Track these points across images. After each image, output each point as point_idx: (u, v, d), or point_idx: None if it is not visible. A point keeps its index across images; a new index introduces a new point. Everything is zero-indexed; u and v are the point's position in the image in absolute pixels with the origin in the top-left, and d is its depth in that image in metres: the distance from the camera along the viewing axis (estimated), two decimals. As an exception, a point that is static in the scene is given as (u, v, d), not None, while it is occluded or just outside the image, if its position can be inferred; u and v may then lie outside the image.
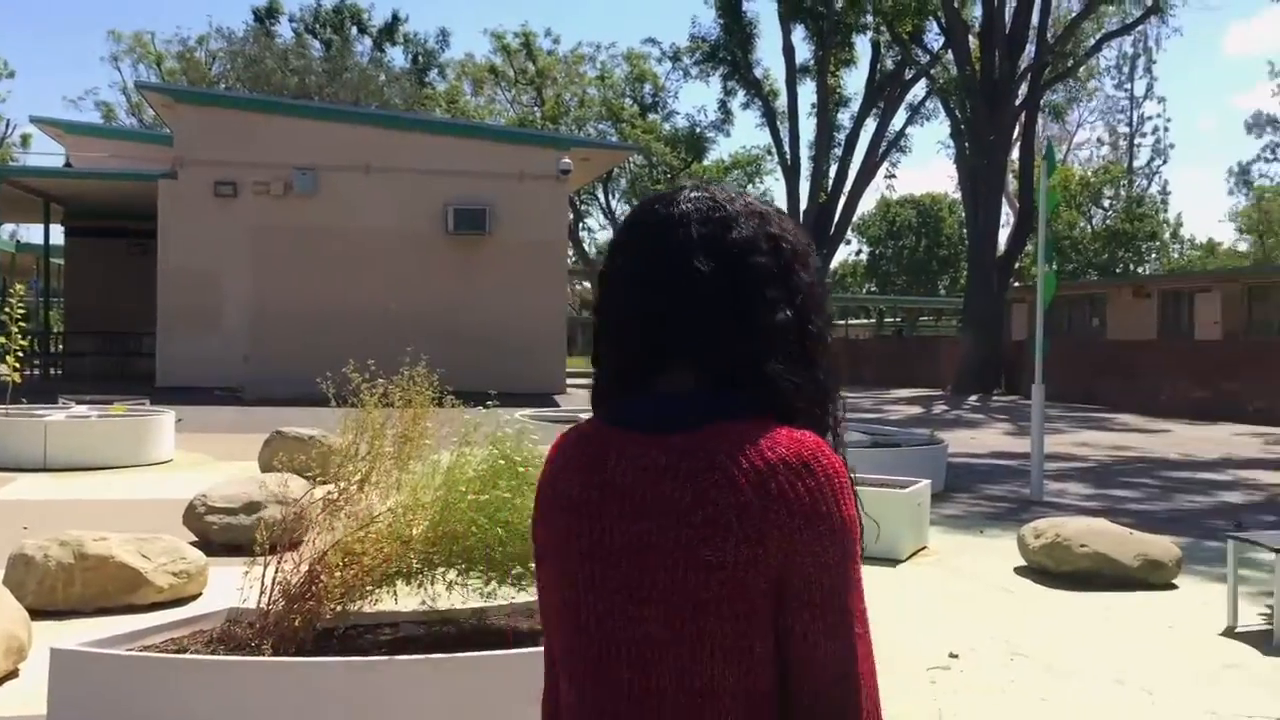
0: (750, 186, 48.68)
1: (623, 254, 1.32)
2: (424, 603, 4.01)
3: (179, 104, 22.63)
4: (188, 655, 3.73)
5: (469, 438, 4.13)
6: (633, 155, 36.87)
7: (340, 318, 20.59)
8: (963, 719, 4.78)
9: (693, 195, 1.30)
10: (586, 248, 46.72)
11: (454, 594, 4.06)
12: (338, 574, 3.73)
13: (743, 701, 1.19)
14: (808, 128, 43.71)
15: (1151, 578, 7.34)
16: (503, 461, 3.93)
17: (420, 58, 48.01)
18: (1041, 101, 37.42)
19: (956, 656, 5.55)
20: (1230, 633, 6.24)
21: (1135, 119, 65.17)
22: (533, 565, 4.08)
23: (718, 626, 1.18)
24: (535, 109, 38.88)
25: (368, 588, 3.85)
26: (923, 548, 8.48)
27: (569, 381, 24.53)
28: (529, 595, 4.25)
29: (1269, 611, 6.32)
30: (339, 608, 3.81)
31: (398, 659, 3.60)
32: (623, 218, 1.49)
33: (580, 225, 44.10)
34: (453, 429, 4.24)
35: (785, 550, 1.17)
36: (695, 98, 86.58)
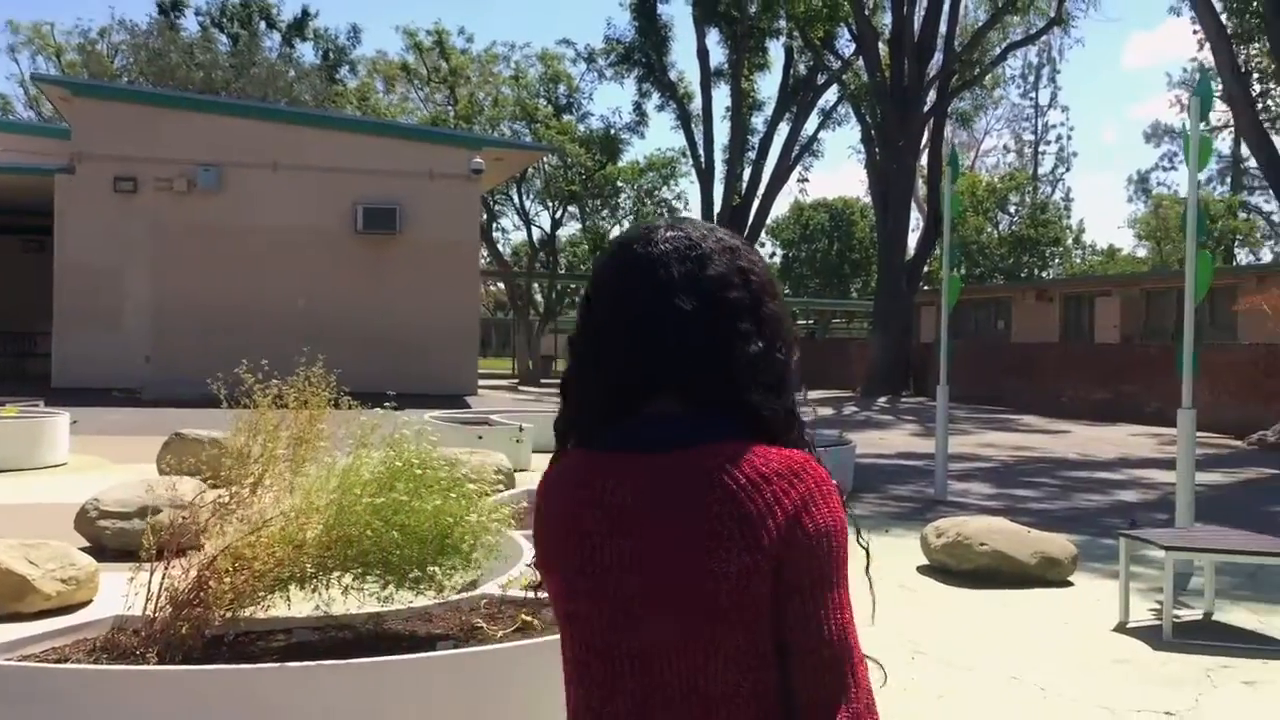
0: (665, 189, 48.86)
1: (607, 294, 1.39)
2: (318, 608, 3.92)
3: (77, 97, 21.98)
4: (69, 665, 3.60)
5: (365, 439, 4.06)
6: (547, 156, 36.76)
7: (246, 318, 20.19)
8: (862, 717, 4.82)
9: (669, 235, 1.38)
10: (501, 249, 46.46)
11: (350, 599, 3.98)
12: (227, 579, 3.63)
13: (753, 703, 1.27)
14: (722, 131, 43.99)
15: (1049, 575, 7.51)
16: (400, 464, 3.86)
17: (331, 54, 47.26)
18: (949, 108, 38.15)
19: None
20: (1122, 628, 6.40)
21: (1040, 127, 66.86)
22: (432, 569, 4.04)
23: (727, 633, 1.26)
24: (449, 108, 38.49)
25: (259, 593, 3.76)
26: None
27: (481, 383, 24.36)
28: (428, 599, 4.19)
29: (1159, 607, 6.50)
30: (229, 614, 3.71)
31: (290, 666, 3.52)
32: (596, 255, 1.57)
33: (494, 226, 43.83)
34: (350, 431, 4.16)
35: (781, 550, 1.26)
36: (610, 99, 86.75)
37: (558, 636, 4.33)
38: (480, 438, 12.80)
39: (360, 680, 3.56)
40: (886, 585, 7.56)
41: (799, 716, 1.28)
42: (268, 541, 3.73)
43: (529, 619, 4.18)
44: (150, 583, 3.73)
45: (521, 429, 13.07)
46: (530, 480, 11.12)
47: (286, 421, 4.10)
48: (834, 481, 1.33)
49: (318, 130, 22.64)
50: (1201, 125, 7.85)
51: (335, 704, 3.51)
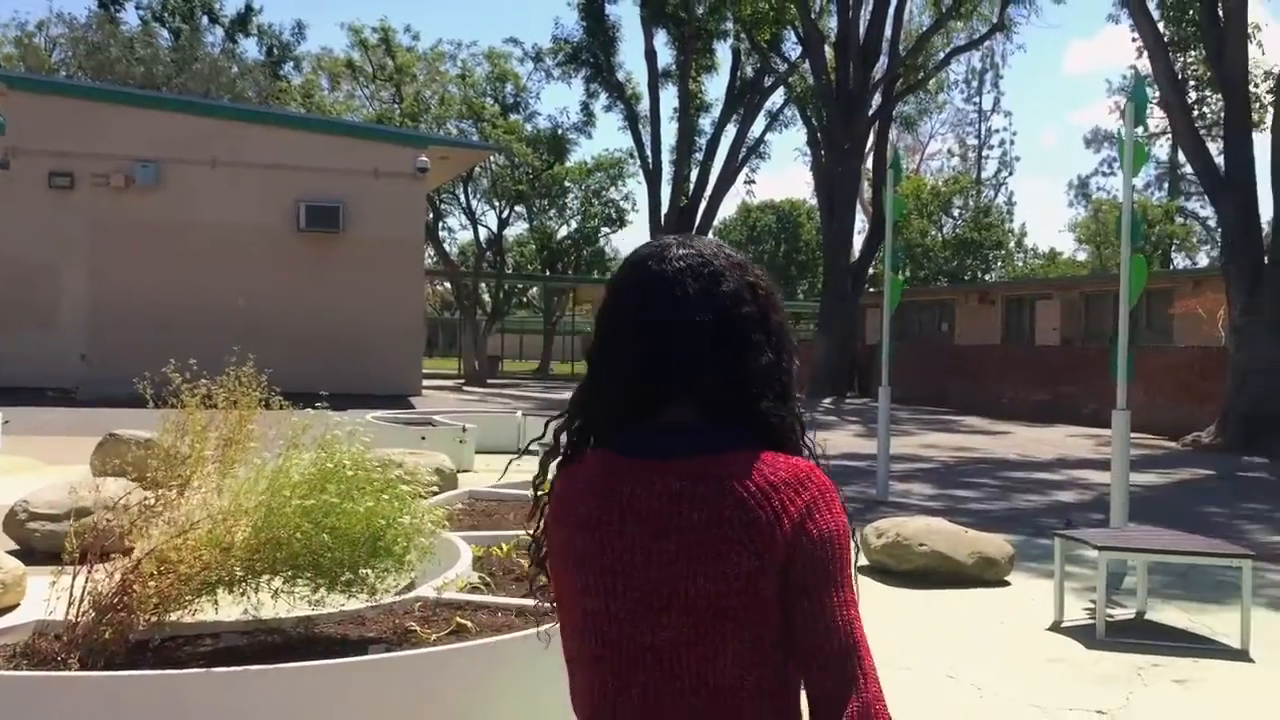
0: (612, 190, 48.83)
1: (623, 310, 1.47)
2: (246, 612, 3.85)
3: (12, 90, 21.46)
4: (-13, 672, 3.50)
5: (296, 440, 3.99)
6: (493, 155, 36.57)
7: (186, 316, 19.86)
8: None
9: (681, 253, 1.46)
10: (447, 248, 46.13)
11: (280, 602, 3.92)
12: (152, 583, 3.55)
13: (757, 697, 1.37)
14: (669, 132, 44.00)
15: (986, 575, 7.59)
16: (331, 465, 3.80)
17: (275, 50, 46.71)
18: (893, 112, 38.49)
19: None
20: (1057, 627, 6.48)
21: (983, 132, 67.67)
22: (364, 572, 3.99)
23: (735, 631, 1.35)
24: (394, 106, 38.16)
25: (185, 597, 3.68)
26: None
27: (426, 383, 24.14)
28: (360, 602, 4.13)
29: (1093, 606, 6.59)
30: (154, 618, 3.63)
31: (216, 671, 3.45)
32: (614, 270, 1.61)
33: (440, 225, 43.53)
34: (281, 432, 4.09)
35: (788, 554, 1.35)
36: (558, 99, 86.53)
37: (493, 640, 4.26)
38: (423, 438, 12.68)
39: (289, 685, 3.50)
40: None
41: (812, 708, 1.35)
42: (194, 544, 3.66)
43: (464, 622, 4.14)
44: (73, 586, 3.64)
45: (465, 430, 12.97)
46: (473, 481, 11.06)
47: (216, 422, 4.02)
48: (837, 488, 1.45)
49: (260, 127, 22.30)
50: (1138, 130, 7.97)
51: (263, 709, 3.45)
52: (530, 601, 4.70)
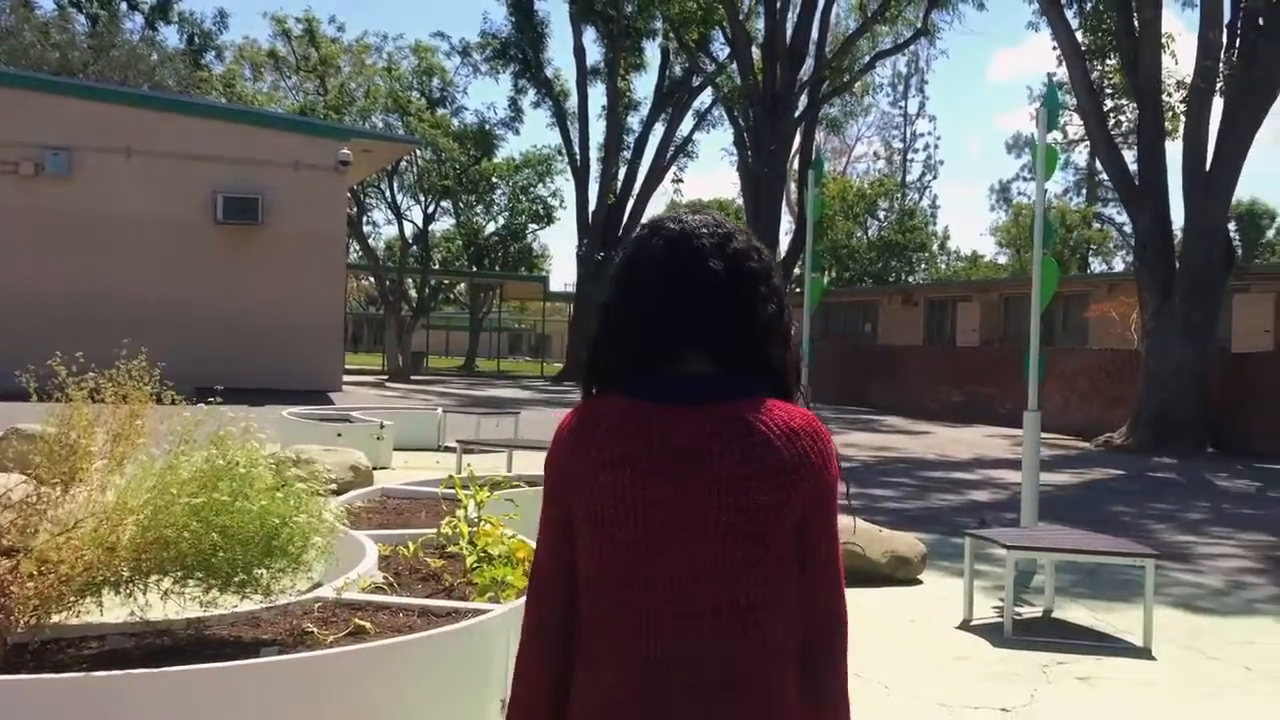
0: (540, 186, 48.63)
1: (648, 261, 1.63)
2: (134, 614, 3.72)
3: (-84, 73, 20.79)
4: None
5: (189, 436, 3.86)
6: (418, 149, 36.18)
7: (98, 308, 19.30)
8: None
9: (695, 217, 1.65)
10: (372, 243, 45.59)
11: (170, 604, 3.79)
12: (30, 584, 3.40)
13: (777, 611, 1.55)
14: (598, 129, 44.00)
15: (899, 573, 7.65)
16: (223, 463, 3.69)
17: (196, 39, 45.67)
18: (819, 114, 38.83)
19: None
20: (966, 625, 6.55)
21: (908, 135, 68.56)
22: (258, 572, 3.87)
23: (761, 553, 1.52)
24: (319, 98, 37.55)
25: (68, 598, 3.54)
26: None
27: (349, 379, 23.82)
28: (253, 604, 4.02)
29: (1001, 605, 6.67)
30: (33, 620, 3.48)
31: (97, 675, 3.32)
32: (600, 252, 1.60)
33: (365, 219, 42.98)
34: (171, 428, 3.95)
35: (806, 494, 1.56)
36: (485, 94, 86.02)
37: (392, 641, 4.12)
38: (339, 435, 12.49)
39: (176, 689, 3.37)
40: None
41: (814, 612, 1.60)
42: (77, 544, 3.51)
43: (363, 623, 4.05)
44: (-54, 588, 3.48)
45: (382, 426, 12.79)
46: (389, 478, 10.92)
47: (104, 417, 3.88)
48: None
49: (176, 116, 21.72)
50: (1053, 135, 8.09)
51: (148, 715, 3.33)
52: (435, 601, 4.65)
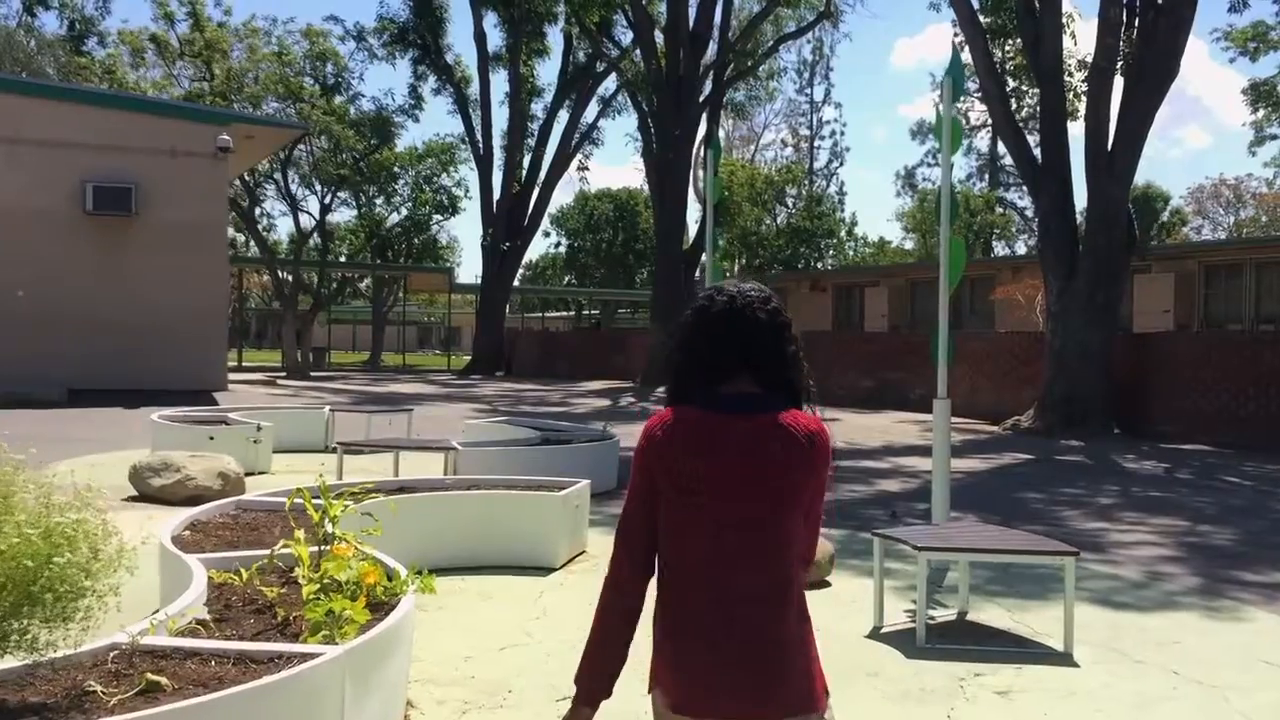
0: (445, 176, 47.57)
1: (712, 314, 2.36)
2: None
3: None
4: None
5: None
6: (317, 138, 34.91)
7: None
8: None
9: (749, 289, 2.39)
10: (269, 235, 44.16)
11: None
12: None
13: (796, 548, 2.30)
14: (501, 117, 43.10)
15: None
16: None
17: (77, 25, 43.65)
18: (724, 98, 38.43)
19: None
20: (876, 634, 6.04)
21: (815, 123, 68.84)
22: (13, 625, 3.17)
23: (790, 512, 2.28)
24: (205, 84, 35.95)
25: None
26: (581, 553, 7.96)
27: (245, 376, 22.73)
28: (16, 660, 3.31)
29: (914, 608, 6.19)
30: None
31: None
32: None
33: (259, 211, 41.53)
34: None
35: (816, 474, 2.31)
36: (383, 81, 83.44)
37: (189, 703, 3.39)
38: (211, 438, 11.63)
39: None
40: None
41: (806, 551, 2.35)
42: None
43: (157, 679, 3.36)
44: None
45: (259, 429, 11.93)
46: (265, 484, 10.12)
47: None
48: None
49: (42, 101, 20.35)
50: (958, 105, 7.62)
51: None
52: (257, 645, 3.95)
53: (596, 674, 2.34)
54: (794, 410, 2.30)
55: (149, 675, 3.38)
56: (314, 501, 5.17)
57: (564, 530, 7.69)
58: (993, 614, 6.57)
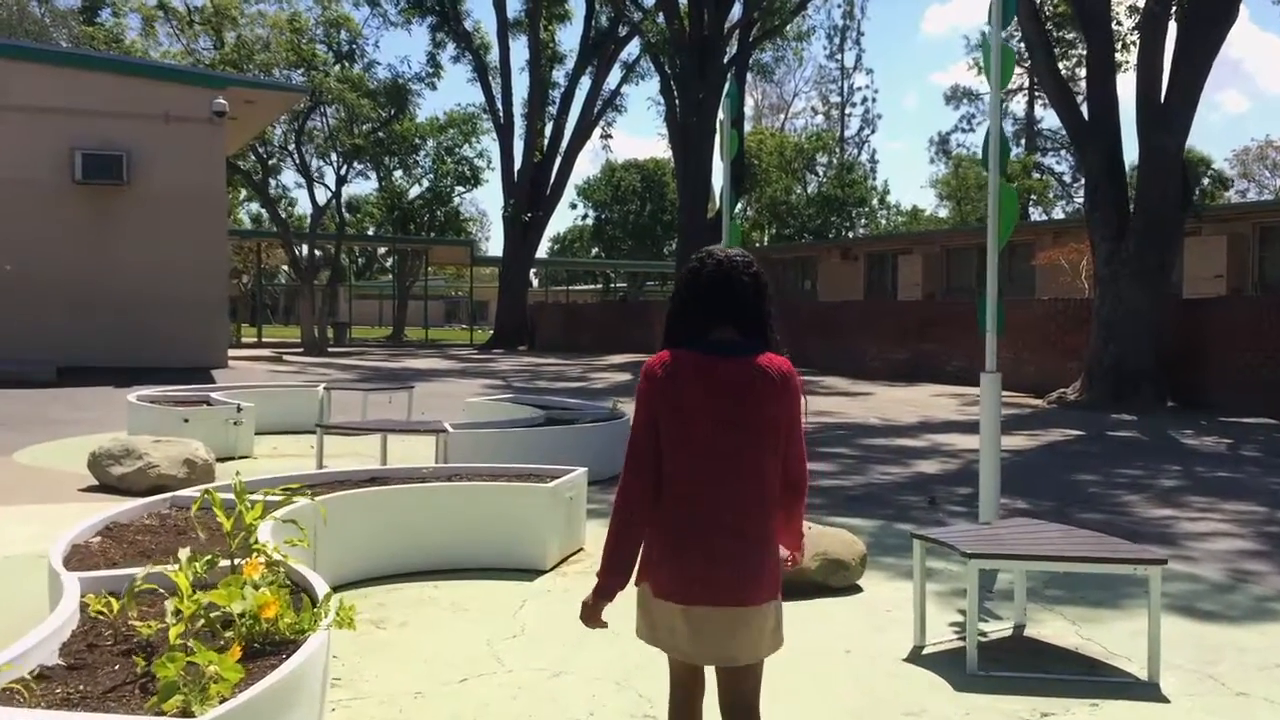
0: (466, 146, 46.52)
1: (710, 279, 2.86)
2: None
3: None
4: None
5: None
6: (309, 102, 33.76)
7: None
8: None
9: (735, 254, 2.90)
10: (288, 209, 43.32)
11: None
12: None
13: (775, 476, 2.80)
14: (521, 84, 42.01)
15: (833, 580, 6.10)
16: None
17: (92, -5, 42.81)
18: (749, 59, 37.11)
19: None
20: (917, 656, 5.02)
21: (845, 90, 67.29)
22: None
23: (772, 440, 2.77)
24: (214, 53, 34.94)
25: None
26: (577, 550, 6.97)
27: (253, 353, 21.89)
28: None
29: (961, 619, 5.16)
30: None
31: None
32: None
33: (275, 183, 40.67)
34: None
35: (791, 406, 2.81)
36: (399, 48, 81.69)
37: None
38: (186, 421, 10.71)
39: None
40: (622, 613, 6.02)
41: (792, 479, 2.89)
42: None
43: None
44: None
45: (240, 409, 10.99)
46: (246, 468, 9.18)
47: None
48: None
49: (28, 65, 19.36)
50: (1008, 31, 6.51)
51: None
52: (86, 717, 2.98)
53: (615, 571, 2.86)
54: (769, 353, 2.83)
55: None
56: (223, 511, 4.17)
57: (554, 527, 6.69)
58: (1056, 628, 5.52)
